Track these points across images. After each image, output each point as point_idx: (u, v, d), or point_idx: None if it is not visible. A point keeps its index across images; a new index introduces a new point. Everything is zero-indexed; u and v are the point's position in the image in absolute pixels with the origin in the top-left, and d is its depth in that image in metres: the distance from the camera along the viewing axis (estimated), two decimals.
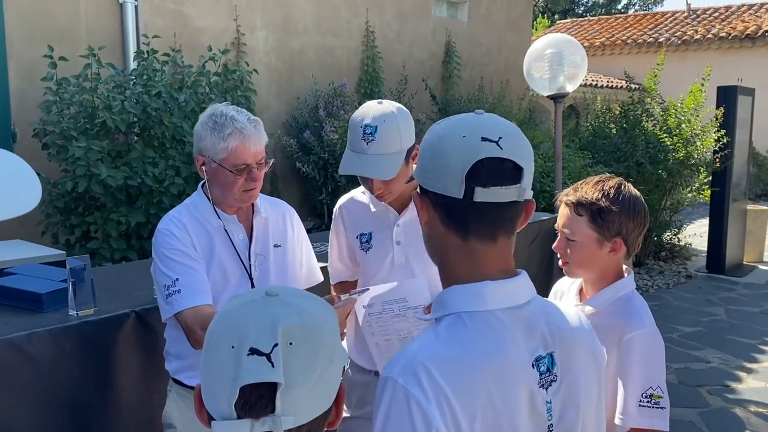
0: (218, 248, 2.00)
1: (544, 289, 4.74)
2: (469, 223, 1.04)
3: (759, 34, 14.83)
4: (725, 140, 7.58)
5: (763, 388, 4.62)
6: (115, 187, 4.25)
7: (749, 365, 5.04)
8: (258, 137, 1.96)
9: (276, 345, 0.83)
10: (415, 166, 2.09)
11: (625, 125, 8.03)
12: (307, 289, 2.27)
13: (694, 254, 8.67)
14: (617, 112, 8.39)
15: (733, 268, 8.10)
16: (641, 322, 1.75)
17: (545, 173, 6.61)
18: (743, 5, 17.22)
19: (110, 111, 4.27)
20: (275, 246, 2.11)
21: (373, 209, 2.17)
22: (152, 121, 4.48)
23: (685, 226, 8.81)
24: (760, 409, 4.28)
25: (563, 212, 1.83)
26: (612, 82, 15.10)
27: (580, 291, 1.92)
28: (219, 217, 2.01)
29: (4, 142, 5.02)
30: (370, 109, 2.00)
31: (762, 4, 16.83)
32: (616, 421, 1.71)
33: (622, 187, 1.78)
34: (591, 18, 21.71)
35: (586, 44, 17.48)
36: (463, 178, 1.01)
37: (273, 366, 0.82)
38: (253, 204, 2.08)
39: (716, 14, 17.11)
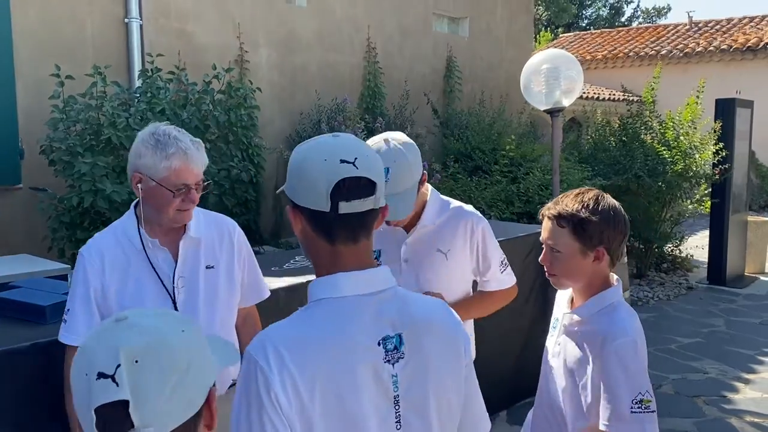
0: (136, 272, 1.96)
1: (541, 299, 4.78)
2: (335, 230, 1.22)
3: (760, 46, 14.91)
4: (724, 153, 7.64)
5: (760, 398, 4.66)
6: (120, 202, 4.34)
7: (747, 376, 5.07)
8: (200, 158, 1.95)
9: (119, 366, 0.90)
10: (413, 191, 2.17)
11: (624, 138, 8.11)
12: (257, 305, 2.23)
13: (695, 266, 8.70)
14: (616, 126, 8.47)
15: (734, 279, 8.13)
16: (624, 331, 1.80)
17: (544, 186, 6.68)
18: (745, 17, 17.31)
19: (115, 128, 4.37)
20: (207, 267, 2.05)
21: (381, 228, 2.23)
22: None
23: (686, 238, 8.85)
24: (756, 419, 4.31)
25: (546, 225, 1.91)
26: (614, 94, 15.18)
27: (572, 300, 1.99)
28: (141, 240, 1.97)
29: (12, 159, 5.14)
30: (379, 150, 2.00)
31: (764, 17, 16.91)
32: (601, 427, 1.76)
33: (601, 198, 1.86)
34: (593, 31, 21.83)
35: (588, 57, 17.61)
36: (329, 195, 1.19)
37: (118, 385, 0.89)
38: (187, 225, 2.04)
39: (718, 27, 17.20)
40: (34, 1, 5.25)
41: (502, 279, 2.40)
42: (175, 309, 1.96)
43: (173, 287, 1.97)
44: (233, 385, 2.14)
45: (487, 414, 1.42)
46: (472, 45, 9.57)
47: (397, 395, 1.21)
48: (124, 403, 0.89)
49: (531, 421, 2.18)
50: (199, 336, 1.03)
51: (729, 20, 17.45)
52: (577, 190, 1.91)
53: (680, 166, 7.55)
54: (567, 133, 10.76)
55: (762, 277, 8.43)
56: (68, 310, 1.94)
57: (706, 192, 7.98)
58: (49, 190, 4.69)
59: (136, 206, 2.01)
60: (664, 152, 7.59)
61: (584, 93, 14.44)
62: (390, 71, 8.11)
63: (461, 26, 9.60)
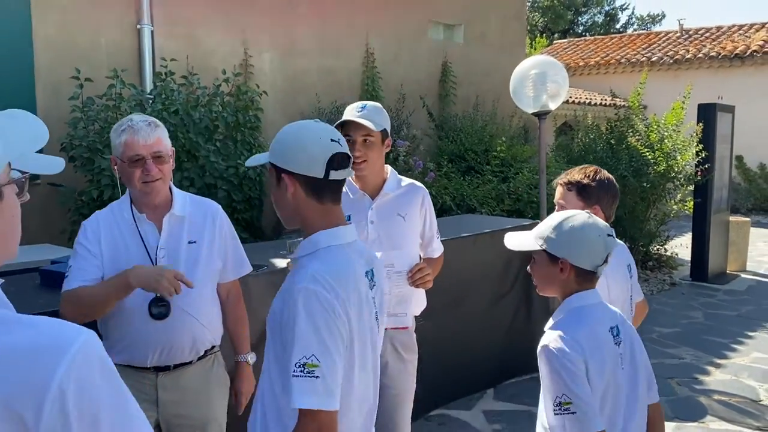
0: (126, 242, 2.27)
1: (525, 285, 5.13)
2: (324, 192, 1.65)
3: (748, 53, 15.30)
4: (704, 154, 8.01)
5: (729, 380, 5.01)
6: None
7: (719, 361, 5.43)
8: (149, 132, 2.22)
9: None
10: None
11: (611, 141, 8.48)
12: (239, 279, 2.54)
13: (680, 264, 9.05)
14: (604, 129, 8.84)
15: (716, 276, 8.49)
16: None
17: (532, 185, 7.03)
18: (734, 25, 17.72)
19: None
20: (190, 242, 2.33)
21: (351, 196, 2.67)
22: (169, 137, 4.92)
23: (671, 237, 9.22)
24: (723, 398, 4.67)
25: (558, 190, 2.56)
26: (605, 100, 15.56)
27: None
28: (133, 215, 2.29)
29: None
30: (360, 102, 2.67)
31: (752, 25, 17.33)
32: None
33: (598, 171, 2.52)
34: (587, 38, 22.24)
35: (581, 63, 17.99)
36: (325, 164, 1.61)
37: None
38: (173, 204, 2.33)
39: (708, 34, 17.61)
40: (53, 9, 5.60)
41: (438, 244, 2.98)
42: None
43: (155, 257, 2.27)
44: (204, 356, 2.39)
45: None
46: (467, 51, 9.93)
47: (377, 312, 1.68)
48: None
49: None
50: None
51: (718, 28, 17.86)
52: (582, 166, 2.57)
53: (663, 167, 7.92)
54: (559, 137, 11.12)
55: (743, 275, 8.79)
56: (70, 266, 2.25)
57: (687, 192, 8.35)
58: (65, 185, 5.03)
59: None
60: (648, 154, 7.96)
61: (577, 98, 14.81)
62: (387, 76, 8.46)
63: (456, 33, 9.97)
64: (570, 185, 2.50)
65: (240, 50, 6.93)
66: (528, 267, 2.11)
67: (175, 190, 2.37)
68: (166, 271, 2.08)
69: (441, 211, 6.84)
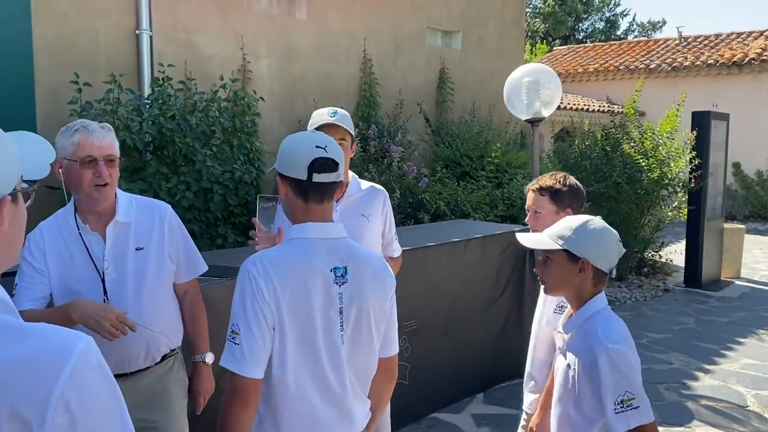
0: (72, 253, 2.20)
1: (516, 290, 5.22)
2: (308, 193, 1.79)
3: (745, 61, 15.37)
4: (697, 161, 8.08)
5: (716, 386, 5.06)
6: None
7: (708, 367, 5.48)
8: (103, 134, 2.18)
9: None
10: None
11: (606, 148, 8.54)
12: (198, 278, 2.53)
13: (675, 270, 9.10)
14: (599, 136, 8.90)
15: (710, 283, 8.54)
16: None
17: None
18: (732, 33, 17.80)
19: (129, 131, 4.79)
20: (137, 249, 2.27)
21: None
22: (166, 141, 5.00)
23: (666, 244, 9.27)
24: (710, 403, 4.72)
25: (530, 196, 2.68)
26: (603, 106, 15.63)
27: None
28: (77, 225, 2.21)
29: None
30: (332, 108, 2.75)
31: (750, 33, 17.40)
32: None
33: (567, 176, 2.67)
34: (586, 45, 22.32)
35: (580, 70, 18.07)
36: (306, 168, 1.75)
37: None
38: (116, 211, 2.26)
39: (706, 42, 17.69)
40: (53, 14, 5.67)
41: (397, 245, 3.07)
42: (104, 288, 2.21)
43: (102, 268, 2.22)
44: (162, 360, 2.40)
45: (397, 341, 1.95)
46: (464, 57, 10.01)
47: (342, 307, 1.76)
48: None
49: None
50: None
51: (717, 35, 17.94)
52: (551, 173, 2.70)
53: (656, 174, 7.98)
54: (558, 143, 11.19)
55: (737, 282, 8.84)
56: (16, 284, 2.18)
57: (683, 200, 8.41)
58: (62, 188, 5.09)
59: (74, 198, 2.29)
60: (641, 161, 8.02)
61: (575, 104, 14.88)
62: (385, 82, 8.53)
63: (454, 39, 10.04)
64: (543, 191, 2.62)
65: (238, 55, 7.00)
66: (535, 268, 2.15)
67: (120, 195, 2.31)
68: (110, 312, 2.02)
69: (435, 216, 6.91)
